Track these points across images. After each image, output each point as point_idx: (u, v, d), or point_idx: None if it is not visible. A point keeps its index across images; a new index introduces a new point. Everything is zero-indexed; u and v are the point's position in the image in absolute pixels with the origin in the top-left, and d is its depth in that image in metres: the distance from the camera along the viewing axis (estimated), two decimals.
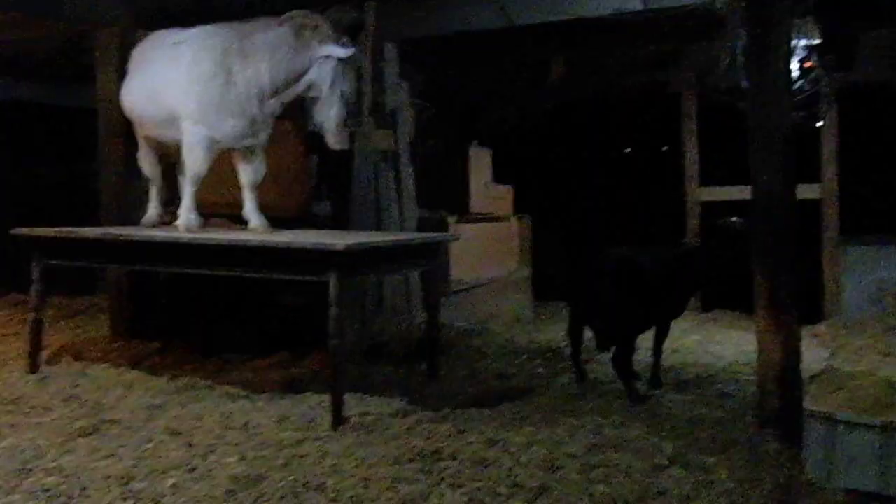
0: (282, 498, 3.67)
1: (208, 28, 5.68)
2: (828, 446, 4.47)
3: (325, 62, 5.30)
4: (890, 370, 7.12)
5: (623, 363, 5.72)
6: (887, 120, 10.08)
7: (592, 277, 5.97)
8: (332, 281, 4.68)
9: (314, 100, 5.42)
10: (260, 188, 5.84)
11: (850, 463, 4.46)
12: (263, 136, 5.63)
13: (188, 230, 5.61)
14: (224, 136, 5.52)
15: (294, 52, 5.33)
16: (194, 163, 5.59)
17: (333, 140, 5.48)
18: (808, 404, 4.56)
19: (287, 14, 5.41)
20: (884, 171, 10.23)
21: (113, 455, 4.21)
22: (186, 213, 5.71)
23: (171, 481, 3.83)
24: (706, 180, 10.55)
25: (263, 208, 5.83)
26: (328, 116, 5.37)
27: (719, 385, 6.20)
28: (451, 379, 6.04)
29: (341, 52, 5.30)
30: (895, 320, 8.94)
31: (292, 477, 3.89)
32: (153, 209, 6.31)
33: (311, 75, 5.35)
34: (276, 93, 5.47)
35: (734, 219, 5.97)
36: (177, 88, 5.60)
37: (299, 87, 5.42)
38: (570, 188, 12.02)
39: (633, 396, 5.58)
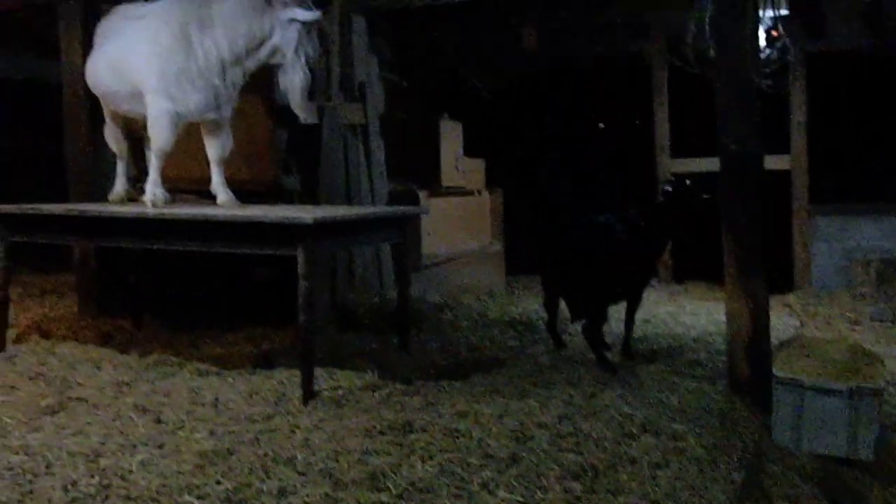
0: (251, 472, 3.64)
1: (167, 1, 5.61)
2: (797, 412, 4.52)
3: (288, 26, 5.23)
4: (858, 337, 7.23)
5: (593, 333, 5.75)
6: (857, 88, 10.12)
7: (560, 247, 6.03)
8: (301, 255, 4.64)
9: (279, 67, 5.36)
10: (228, 162, 5.78)
11: (819, 428, 4.51)
12: (228, 110, 5.57)
13: (154, 205, 5.54)
14: (187, 110, 5.45)
15: (253, 17, 5.27)
16: (159, 137, 5.52)
17: (300, 111, 5.45)
18: (777, 371, 4.60)
19: None
20: (853, 139, 10.29)
21: (80, 432, 4.16)
22: (153, 188, 5.64)
23: (139, 457, 3.79)
24: (680, 152, 10.58)
25: (232, 182, 5.79)
26: (293, 82, 5.32)
27: (690, 354, 6.23)
28: (423, 352, 6.03)
29: (306, 16, 5.23)
30: (864, 289, 9.06)
31: (262, 451, 3.87)
32: (120, 185, 6.23)
33: (274, 40, 5.28)
34: (237, 61, 5.41)
35: (667, 187, 6.18)
36: (140, 62, 5.53)
37: (262, 54, 5.36)
38: (541, 161, 12.00)
39: (603, 366, 5.60)
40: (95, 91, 6.10)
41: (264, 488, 3.48)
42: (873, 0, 9.23)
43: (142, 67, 5.50)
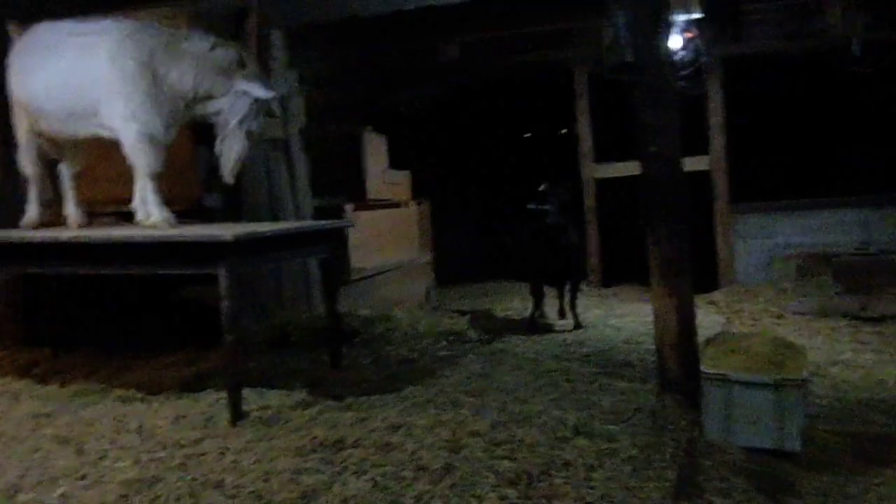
0: (178, 499, 3.54)
1: (124, 23, 5.49)
2: (725, 407, 4.57)
3: (241, 96, 5.26)
4: (781, 331, 7.38)
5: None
6: (774, 89, 10.38)
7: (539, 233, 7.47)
8: (223, 273, 4.54)
9: (219, 128, 5.35)
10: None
11: (748, 422, 4.57)
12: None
13: (170, 224, 5.38)
14: (157, 132, 5.35)
15: (218, 72, 5.26)
16: (145, 161, 5.39)
17: (229, 177, 5.44)
18: (705, 367, 4.65)
19: (221, 39, 5.40)
20: (772, 139, 10.55)
21: None
22: (159, 210, 5.46)
23: (59, 490, 3.67)
24: (606, 158, 10.71)
25: None
26: (231, 149, 5.33)
27: (621, 356, 6.29)
28: (355, 367, 5.95)
29: (260, 93, 5.27)
30: (785, 284, 9.27)
31: (189, 476, 3.77)
32: (33, 210, 6.03)
33: (222, 104, 5.29)
34: (189, 106, 5.38)
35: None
36: (97, 83, 5.38)
37: (209, 109, 5.35)
38: (467, 171, 12.05)
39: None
40: (26, 110, 5.85)
41: None
42: (789, 4, 9.51)
43: (102, 88, 5.35)
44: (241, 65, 5.32)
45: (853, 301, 8.46)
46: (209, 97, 5.34)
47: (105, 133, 5.51)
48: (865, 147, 10.38)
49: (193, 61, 5.30)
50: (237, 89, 5.26)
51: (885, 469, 4.75)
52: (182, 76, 5.31)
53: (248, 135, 5.35)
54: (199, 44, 5.34)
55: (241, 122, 5.29)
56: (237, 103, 5.27)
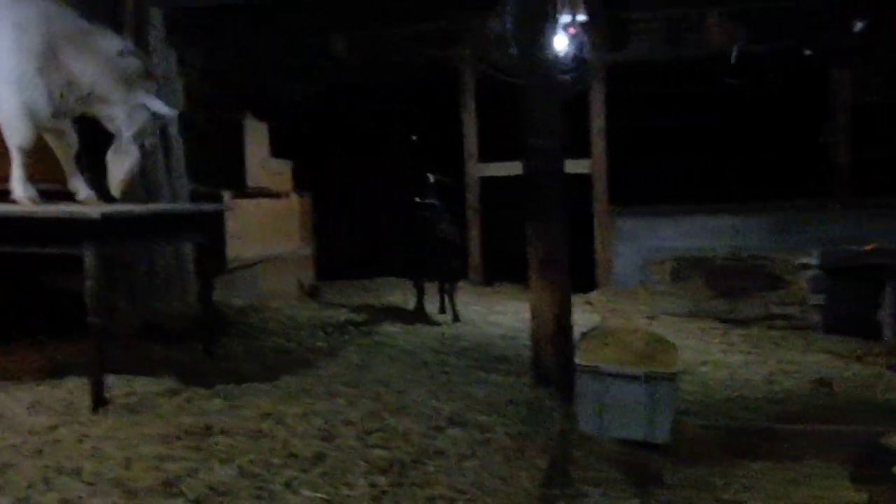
0: (30, 486, 3.33)
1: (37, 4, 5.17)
2: (598, 399, 4.65)
3: (140, 110, 4.97)
4: (656, 331, 7.57)
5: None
6: (655, 96, 10.66)
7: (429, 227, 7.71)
8: (88, 253, 4.32)
9: (114, 136, 5.07)
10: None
11: (619, 413, 4.66)
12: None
13: (33, 202, 5.03)
14: (39, 112, 5.01)
15: (117, 80, 4.96)
16: (18, 135, 5.03)
17: (115, 189, 5.14)
18: (579, 359, 4.71)
19: (132, 47, 5.16)
20: (652, 145, 10.83)
21: None
22: (22, 186, 5.10)
23: None
24: (491, 158, 10.78)
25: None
26: (121, 162, 5.04)
27: (498, 350, 6.34)
28: (229, 356, 5.78)
29: (161, 110, 5.03)
30: (660, 286, 9.53)
31: (43, 463, 3.55)
32: None
33: (118, 112, 4.99)
34: (81, 101, 5.04)
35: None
36: None
37: (101, 113, 5.05)
38: (353, 167, 11.93)
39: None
40: None
41: (44, 501, 3.19)
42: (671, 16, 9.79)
43: (2, 56, 5.00)
44: (146, 77, 5.07)
45: (723, 304, 8.78)
46: (104, 101, 5.03)
47: None
48: (740, 156, 10.79)
49: (99, 59, 4.98)
50: (137, 102, 4.99)
51: (748, 462, 4.93)
52: (83, 70, 4.98)
53: (142, 150, 5.11)
54: (109, 43, 5.04)
55: (136, 135, 5.02)
56: (135, 115, 4.99)
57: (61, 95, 5.08)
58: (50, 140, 5.35)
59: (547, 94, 5.16)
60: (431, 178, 7.78)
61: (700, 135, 10.78)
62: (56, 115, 5.13)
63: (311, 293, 9.26)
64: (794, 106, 10.56)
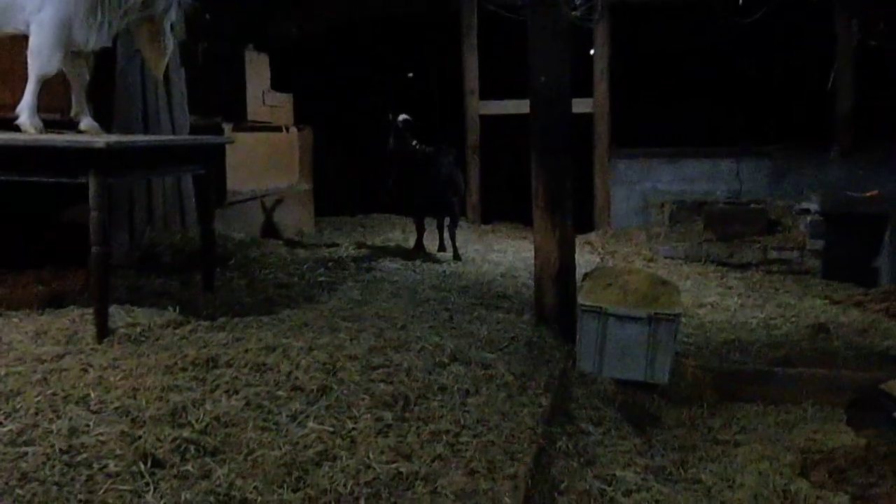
0: (38, 413, 3.36)
1: None
2: (599, 339, 4.66)
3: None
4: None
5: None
6: (659, 38, 10.54)
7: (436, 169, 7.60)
8: (92, 182, 4.28)
9: (137, 24, 5.13)
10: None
11: (621, 354, 4.68)
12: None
13: (39, 130, 4.96)
14: (79, 40, 4.98)
15: None
16: (40, 61, 4.94)
17: (159, 70, 5.42)
18: (582, 299, 4.72)
19: None
20: (654, 87, 10.74)
21: None
22: (30, 115, 5.03)
23: None
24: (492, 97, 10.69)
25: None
26: (159, 48, 5.21)
27: (498, 288, 6.33)
28: (229, 290, 5.77)
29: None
30: (658, 229, 9.52)
31: (50, 391, 3.57)
32: None
33: (160, 6, 5.10)
34: (128, 13, 5.06)
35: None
36: None
37: (143, 13, 5.11)
38: (353, 103, 11.81)
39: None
40: None
41: (53, 428, 3.21)
42: None
43: None
44: None
45: (721, 248, 8.78)
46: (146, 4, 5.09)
47: (23, 29, 5.13)
48: (742, 99, 10.71)
49: None
50: None
51: (745, 404, 4.98)
52: None
53: (172, 28, 5.23)
54: None
55: (174, 25, 5.21)
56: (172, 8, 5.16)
57: (108, 19, 5.06)
58: (68, 69, 5.28)
59: (556, 29, 5.07)
60: (401, 119, 7.84)
61: (703, 78, 10.69)
62: (94, 37, 5.08)
63: (306, 229, 9.24)
64: (798, 50, 10.46)
